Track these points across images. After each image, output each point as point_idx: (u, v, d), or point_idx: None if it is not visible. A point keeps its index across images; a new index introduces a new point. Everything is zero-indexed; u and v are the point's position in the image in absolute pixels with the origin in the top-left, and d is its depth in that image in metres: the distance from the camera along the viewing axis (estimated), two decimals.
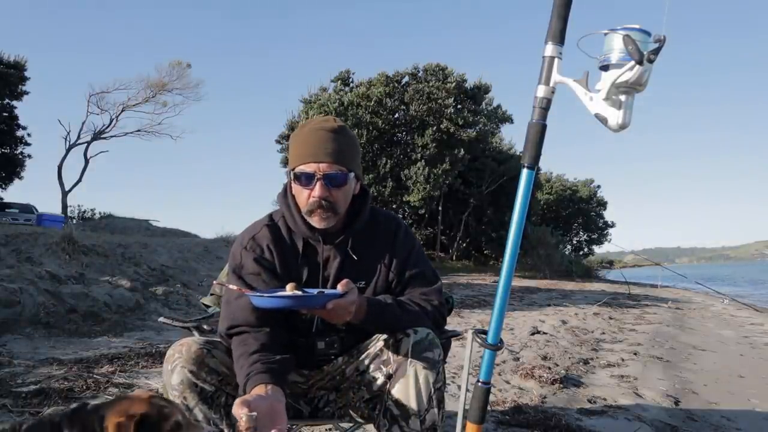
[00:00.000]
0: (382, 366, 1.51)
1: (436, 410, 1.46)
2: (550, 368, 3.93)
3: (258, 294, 1.37)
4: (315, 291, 1.44)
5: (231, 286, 1.46)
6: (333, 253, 1.58)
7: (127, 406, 1.15)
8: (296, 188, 1.54)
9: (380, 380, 1.51)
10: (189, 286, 7.73)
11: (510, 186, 22.23)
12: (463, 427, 1.54)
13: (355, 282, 1.48)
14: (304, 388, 1.63)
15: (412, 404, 1.43)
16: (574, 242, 36.28)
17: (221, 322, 1.53)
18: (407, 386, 1.44)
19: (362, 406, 1.57)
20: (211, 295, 1.96)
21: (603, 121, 1.39)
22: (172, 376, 1.41)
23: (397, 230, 1.65)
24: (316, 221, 1.52)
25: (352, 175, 1.53)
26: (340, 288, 1.38)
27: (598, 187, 36.34)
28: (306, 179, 1.49)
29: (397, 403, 1.45)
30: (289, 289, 1.41)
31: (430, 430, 1.45)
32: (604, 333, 6.34)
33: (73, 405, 1.11)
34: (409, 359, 1.45)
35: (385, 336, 1.54)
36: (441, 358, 1.49)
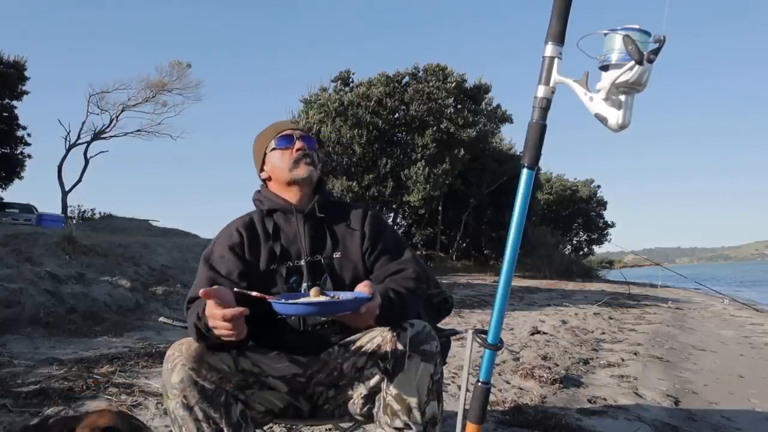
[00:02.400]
0: (380, 361, 1.50)
1: (435, 402, 1.47)
2: (550, 368, 3.93)
3: (282, 301, 1.28)
4: (347, 294, 1.38)
5: (254, 294, 1.33)
6: (303, 224, 1.68)
7: (95, 419, 1.14)
8: (276, 155, 1.72)
9: (378, 375, 1.51)
10: (189, 286, 7.68)
11: (510, 186, 22.18)
12: (463, 427, 1.54)
13: (331, 251, 1.62)
14: (302, 381, 1.61)
15: (412, 397, 1.44)
16: (574, 242, 36.25)
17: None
18: (406, 380, 1.44)
19: (361, 403, 1.56)
20: None
21: (603, 121, 1.40)
22: (172, 375, 1.40)
23: (368, 209, 1.78)
24: (302, 171, 1.68)
25: (316, 147, 1.79)
26: (365, 290, 1.38)
27: (598, 187, 36.33)
28: (286, 139, 1.73)
29: (397, 398, 1.45)
30: (314, 294, 1.34)
31: (431, 422, 1.46)
32: (604, 333, 6.34)
33: (34, 420, 1.10)
34: (407, 353, 1.45)
35: (381, 331, 1.53)
36: (438, 350, 1.49)
